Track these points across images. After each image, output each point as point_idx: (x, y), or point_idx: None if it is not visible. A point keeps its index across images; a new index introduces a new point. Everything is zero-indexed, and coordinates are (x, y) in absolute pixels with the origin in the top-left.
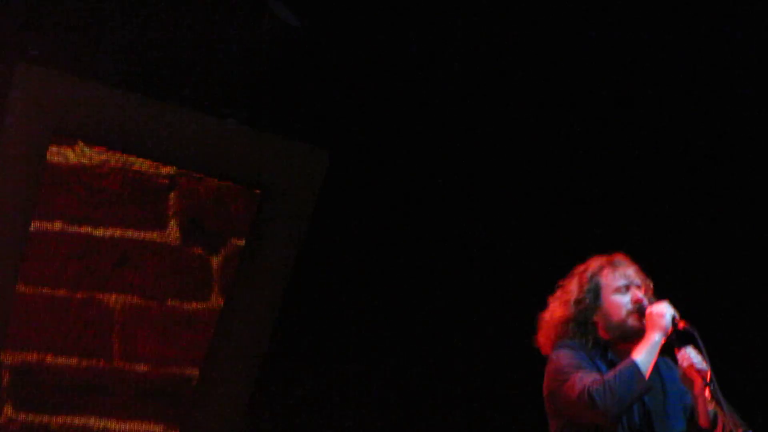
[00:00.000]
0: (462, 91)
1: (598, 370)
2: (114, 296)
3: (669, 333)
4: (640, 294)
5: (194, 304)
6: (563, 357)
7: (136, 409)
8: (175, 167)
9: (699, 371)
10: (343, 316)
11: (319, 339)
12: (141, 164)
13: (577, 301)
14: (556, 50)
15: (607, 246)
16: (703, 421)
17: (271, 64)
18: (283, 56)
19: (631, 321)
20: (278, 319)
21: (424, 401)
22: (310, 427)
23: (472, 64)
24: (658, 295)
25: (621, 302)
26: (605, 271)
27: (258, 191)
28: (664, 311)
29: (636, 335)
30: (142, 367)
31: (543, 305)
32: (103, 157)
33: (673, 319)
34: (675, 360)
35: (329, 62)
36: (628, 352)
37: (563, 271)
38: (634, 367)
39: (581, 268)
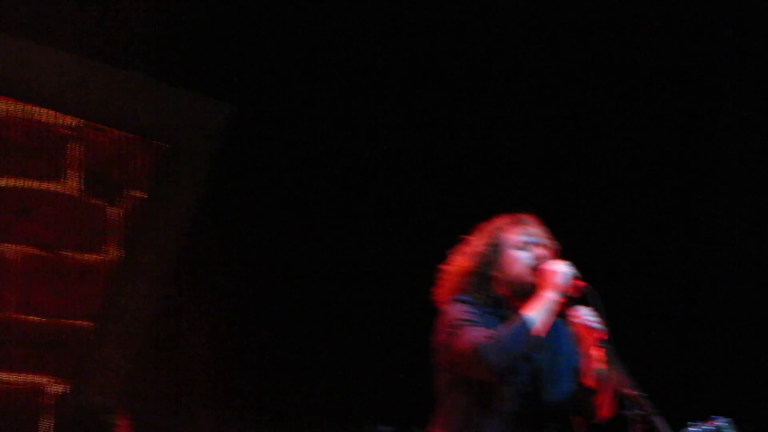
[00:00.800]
0: (368, 50)
1: (492, 326)
2: (13, 247)
3: (565, 292)
4: (542, 252)
5: (92, 256)
6: (457, 310)
7: (28, 361)
8: (79, 118)
9: (591, 330)
10: (242, 271)
11: (216, 294)
12: (45, 115)
13: (479, 254)
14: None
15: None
16: (588, 380)
17: (178, 17)
18: (190, 9)
19: (529, 277)
20: (175, 273)
21: (324, 344)
22: (201, 383)
23: (377, 23)
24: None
25: (521, 257)
26: (510, 228)
27: (161, 144)
28: (557, 269)
29: (533, 293)
30: (36, 319)
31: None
32: (7, 107)
33: (569, 277)
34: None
35: (236, 16)
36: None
37: (468, 227)
38: (523, 323)
39: (486, 224)
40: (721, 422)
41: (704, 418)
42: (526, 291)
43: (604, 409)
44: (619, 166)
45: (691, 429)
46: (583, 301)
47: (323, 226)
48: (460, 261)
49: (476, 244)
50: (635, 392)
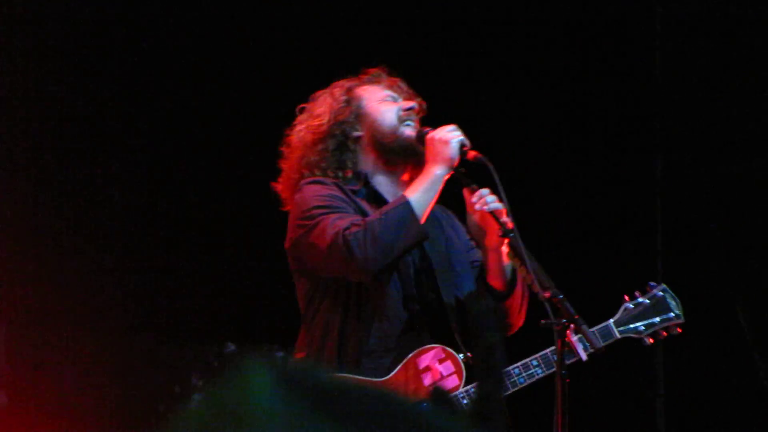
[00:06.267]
0: None
1: (359, 210)
2: None
3: (456, 165)
4: (412, 103)
5: None
6: (312, 195)
7: None
8: None
9: (497, 219)
10: None
11: None
12: None
13: (336, 112)
14: None
15: None
16: (495, 280)
17: None
18: None
19: (406, 129)
20: None
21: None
22: None
23: None
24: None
25: (391, 108)
26: (364, 86)
27: None
28: (448, 137)
29: (412, 152)
30: None
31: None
32: None
33: (461, 147)
34: (463, 202)
35: None
36: (401, 185)
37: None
38: (407, 207)
39: (325, 89)
40: (658, 290)
41: (640, 288)
42: (405, 146)
43: (515, 316)
44: None
45: (629, 305)
46: (475, 179)
47: None
48: (306, 127)
49: (327, 102)
50: (554, 295)
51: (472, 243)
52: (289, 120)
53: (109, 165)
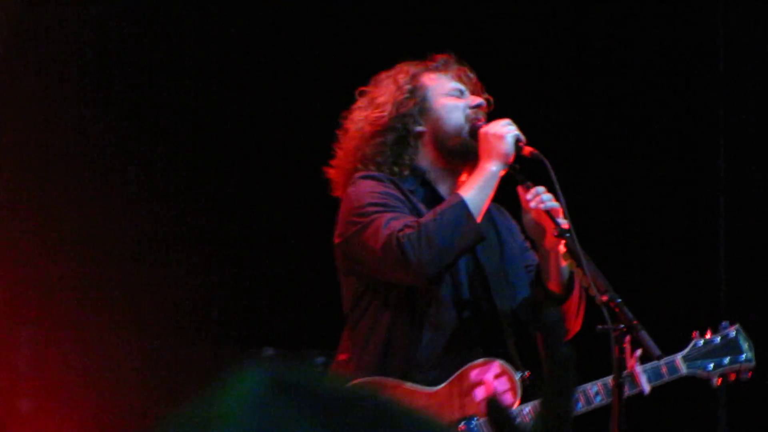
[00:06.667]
0: None
1: (415, 211)
2: None
3: (511, 162)
4: (480, 99)
5: None
6: (365, 191)
7: None
8: None
9: (553, 218)
10: None
11: None
12: None
13: (399, 104)
14: None
15: None
16: (553, 283)
17: None
18: None
19: (470, 131)
20: None
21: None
22: None
23: None
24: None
25: (458, 104)
26: (429, 73)
27: None
28: (503, 132)
29: (475, 153)
30: None
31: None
32: None
33: (517, 142)
34: (517, 201)
35: None
36: (459, 186)
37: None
38: (462, 207)
39: (389, 72)
40: (731, 330)
41: (708, 325)
42: (468, 147)
43: (572, 321)
44: None
45: (699, 342)
46: (530, 176)
47: None
48: (371, 114)
49: (388, 91)
50: (611, 299)
51: (527, 244)
52: (347, 105)
53: (144, 169)
